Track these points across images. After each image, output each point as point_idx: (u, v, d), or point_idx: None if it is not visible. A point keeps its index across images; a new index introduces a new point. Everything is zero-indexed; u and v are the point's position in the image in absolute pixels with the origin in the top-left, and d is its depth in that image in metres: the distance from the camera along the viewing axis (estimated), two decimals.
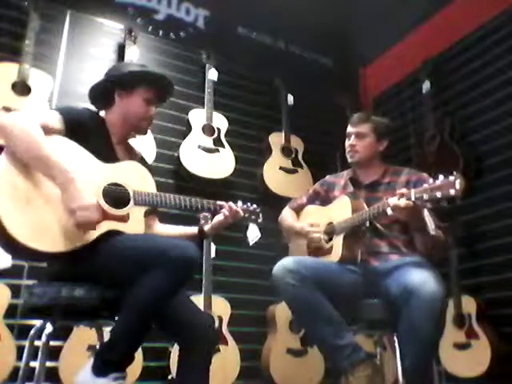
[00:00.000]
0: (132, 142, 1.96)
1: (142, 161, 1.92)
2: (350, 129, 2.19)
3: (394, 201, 1.76)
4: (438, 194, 1.61)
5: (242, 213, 1.93)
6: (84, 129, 1.69)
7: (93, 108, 1.90)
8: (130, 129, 1.87)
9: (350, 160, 2.19)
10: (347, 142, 2.20)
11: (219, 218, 1.91)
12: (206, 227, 1.95)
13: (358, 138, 2.15)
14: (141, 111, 1.83)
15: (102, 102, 1.87)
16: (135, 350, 1.53)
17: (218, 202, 1.89)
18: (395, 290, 1.77)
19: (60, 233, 1.52)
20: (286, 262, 1.88)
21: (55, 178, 1.53)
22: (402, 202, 1.73)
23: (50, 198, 1.54)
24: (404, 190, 1.75)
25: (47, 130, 1.58)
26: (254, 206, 2.02)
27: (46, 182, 1.54)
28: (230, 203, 1.91)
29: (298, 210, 2.36)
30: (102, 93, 1.85)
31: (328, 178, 2.34)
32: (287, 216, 2.36)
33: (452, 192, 1.58)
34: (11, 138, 1.52)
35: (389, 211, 1.79)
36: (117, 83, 1.83)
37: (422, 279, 1.70)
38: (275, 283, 1.87)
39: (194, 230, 1.96)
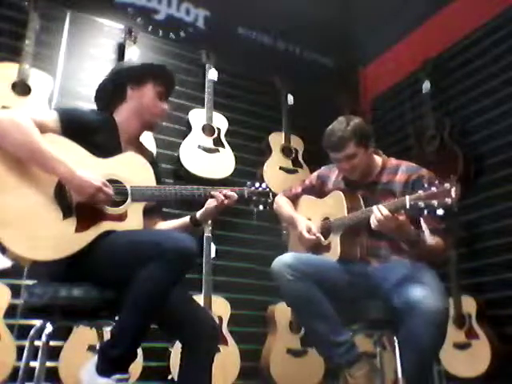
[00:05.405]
0: (143, 141, 1.93)
1: (153, 162, 1.88)
2: (335, 155, 2.00)
3: (378, 215, 1.71)
4: (434, 202, 1.57)
5: (243, 195, 1.86)
6: (85, 129, 1.66)
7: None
8: (142, 124, 1.83)
9: (353, 179, 2.07)
10: (339, 166, 2.05)
11: (212, 203, 1.82)
12: (198, 214, 1.87)
13: (348, 159, 1.98)
14: (154, 104, 1.82)
15: (111, 100, 1.83)
16: (138, 346, 1.53)
17: (224, 190, 1.82)
18: (396, 301, 1.75)
19: (57, 240, 1.51)
20: (284, 258, 1.88)
21: (55, 170, 1.52)
22: (384, 212, 1.69)
23: (44, 206, 1.53)
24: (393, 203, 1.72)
25: (43, 129, 1.57)
26: (263, 186, 1.93)
27: (38, 189, 1.53)
28: (225, 191, 1.82)
29: (293, 200, 2.31)
30: (112, 90, 1.82)
31: (323, 169, 2.29)
32: (284, 203, 2.29)
33: (448, 201, 1.55)
34: (4, 134, 1.50)
35: (372, 222, 1.74)
36: (128, 77, 1.82)
37: (423, 295, 1.67)
38: (274, 278, 1.87)
39: (185, 219, 1.90)
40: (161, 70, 1.88)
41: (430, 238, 1.84)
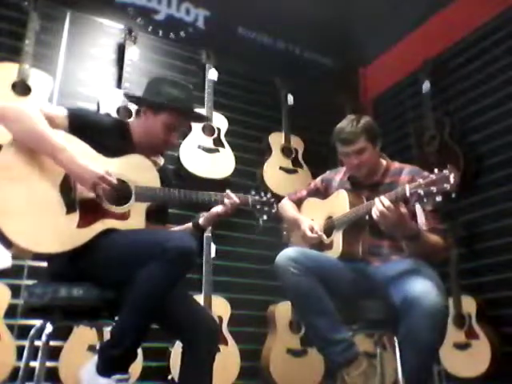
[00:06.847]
0: None
1: (163, 170, 1.89)
2: (345, 148, 2.02)
3: (380, 205, 1.71)
4: (433, 189, 1.58)
5: (247, 203, 1.89)
6: (92, 129, 1.68)
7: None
8: (148, 145, 1.83)
9: (359, 176, 2.10)
10: (347, 161, 2.06)
11: (217, 209, 1.86)
12: (201, 220, 1.90)
13: (357, 154, 2.01)
14: (161, 134, 1.80)
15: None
16: (138, 346, 1.53)
17: (227, 193, 1.85)
18: (395, 298, 1.75)
19: (59, 233, 1.52)
20: (289, 252, 1.88)
21: (57, 157, 1.53)
22: (385, 203, 1.69)
23: (49, 199, 1.54)
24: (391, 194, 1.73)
25: (51, 123, 1.58)
26: (268, 195, 1.96)
27: (46, 182, 1.54)
28: (230, 194, 1.85)
29: (298, 203, 2.34)
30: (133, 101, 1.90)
31: (328, 173, 2.32)
32: (288, 207, 2.32)
33: (447, 186, 1.56)
34: (12, 121, 1.53)
35: (373, 213, 1.74)
36: (144, 102, 1.83)
37: (423, 290, 1.67)
38: (277, 271, 1.87)
39: (188, 225, 1.92)
40: (179, 108, 1.82)
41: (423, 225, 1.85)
